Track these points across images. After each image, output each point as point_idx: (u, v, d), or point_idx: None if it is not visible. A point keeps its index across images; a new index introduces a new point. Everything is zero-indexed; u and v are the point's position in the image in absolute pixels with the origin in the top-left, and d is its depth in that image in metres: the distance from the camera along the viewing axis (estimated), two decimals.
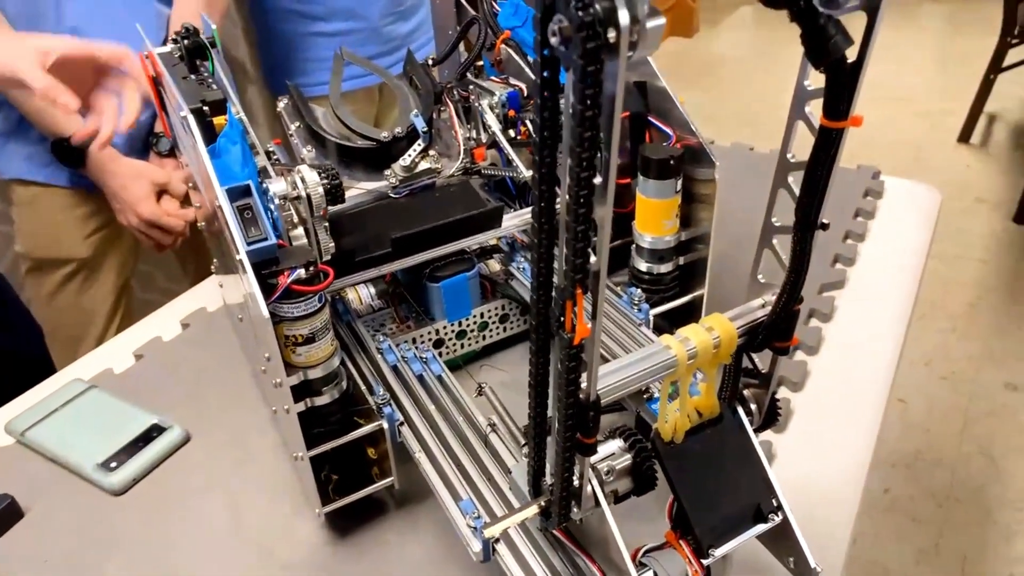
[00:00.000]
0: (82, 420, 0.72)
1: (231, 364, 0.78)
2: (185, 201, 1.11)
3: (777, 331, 0.44)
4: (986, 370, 1.88)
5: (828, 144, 0.38)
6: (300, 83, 1.32)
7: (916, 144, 2.84)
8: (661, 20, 0.27)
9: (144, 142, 1.12)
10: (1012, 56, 2.62)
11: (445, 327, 0.73)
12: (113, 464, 0.66)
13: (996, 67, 2.64)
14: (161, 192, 1.10)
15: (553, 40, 0.27)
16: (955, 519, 1.54)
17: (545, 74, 0.29)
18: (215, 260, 0.81)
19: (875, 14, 0.33)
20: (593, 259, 0.32)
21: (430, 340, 0.72)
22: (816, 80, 0.38)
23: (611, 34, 0.26)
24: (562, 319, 0.34)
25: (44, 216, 1.11)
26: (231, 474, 0.67)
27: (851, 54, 0.35)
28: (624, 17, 0.26)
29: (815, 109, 0.39)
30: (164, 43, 0.77)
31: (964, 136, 2.83)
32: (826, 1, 0.31)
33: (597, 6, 0.26)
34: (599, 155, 0.29)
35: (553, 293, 0.35)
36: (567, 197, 0.31)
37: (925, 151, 2.80)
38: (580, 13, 0.25)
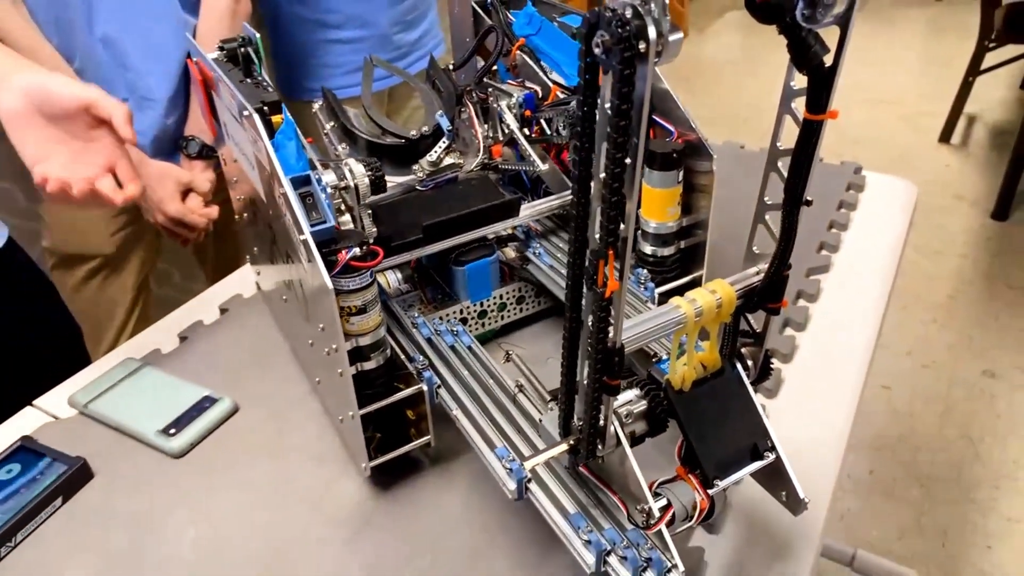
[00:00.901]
0: (139, 393, 0.78)
1: (270, 343, 0.85)
2: (216, 197, 1.18)
3: (769, 293, 0.52)
4: (965, 359, 1.97)
5: (810, 134, 0.45)
6: (313, 88, 1.39)
7: (900, 144, 2.94)
8: (680, 34, 0.35)
9: (172, 144, 1.19)
10: (989, 59, 2.72)
11: (468, 307, 0.80)
12: (172, 430, 0.73)
13: (974, 70, 2.75)
14: (186, 191, 1.17)
15: (596, 50, 0.35)
16: (936, 498, 1.62)
17: (587, 77, 0.37)
18: (254, 249, 0.88)
19: (846, 27, 0.41)
20: (623, 226, 0.40)
21: (455, 318, 0.80)
22: (800, 81, 0.46)
23: (642, 46, 0.34)
24: (595, 276, 0.42)
25: (73, 213, 1.17)
26: (277, 440, 0.74)
27: (829, 60, 0.42)
28: (652, 32, 0.33)
29: (799, 105, 0.46)
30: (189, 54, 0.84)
31: (945, 136, 2.93)
32: (807, 18, 0.38)
33: (632, 24, 0.33)
34: (629, 141, 0.37)
35: (587, 255, 0.43)
36: (603, 175, 0.38)
37: (908, 151, 2.90)
38: (619, 30, 0.33)
